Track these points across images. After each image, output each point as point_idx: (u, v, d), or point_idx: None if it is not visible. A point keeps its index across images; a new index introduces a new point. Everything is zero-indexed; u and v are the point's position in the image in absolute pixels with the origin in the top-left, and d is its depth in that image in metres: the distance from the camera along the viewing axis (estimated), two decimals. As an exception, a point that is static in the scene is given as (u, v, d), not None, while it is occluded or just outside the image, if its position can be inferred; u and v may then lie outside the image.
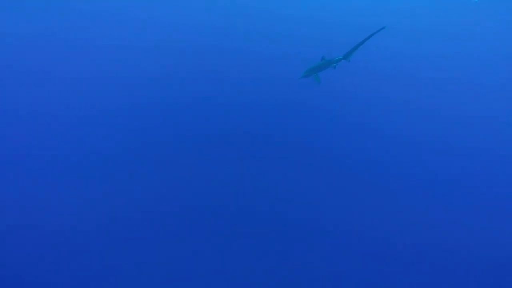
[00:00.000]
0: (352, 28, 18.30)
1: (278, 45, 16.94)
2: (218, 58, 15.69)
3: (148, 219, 8.80)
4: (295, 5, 21.71)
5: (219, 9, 20.08)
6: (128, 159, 10.44)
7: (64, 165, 10.12)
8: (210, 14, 19.53)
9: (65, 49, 15.59)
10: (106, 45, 16.09)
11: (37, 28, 16.94)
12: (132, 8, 19.65)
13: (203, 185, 9.76)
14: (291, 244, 8.42)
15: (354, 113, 12.63)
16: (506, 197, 9.89)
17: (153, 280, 7.53)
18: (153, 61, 15.30)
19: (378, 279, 7.76)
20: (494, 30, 18.81)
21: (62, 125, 11.54)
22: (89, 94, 13.03)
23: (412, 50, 16.90)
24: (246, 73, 14.68)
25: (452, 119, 12.76)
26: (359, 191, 9.86)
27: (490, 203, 9.71)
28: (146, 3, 20.26)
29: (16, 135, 10.94)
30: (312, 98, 13.44)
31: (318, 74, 8.11)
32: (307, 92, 13.80)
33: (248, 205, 9.29)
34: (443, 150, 11.26)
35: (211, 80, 14.21)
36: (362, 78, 14.81)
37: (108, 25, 17.60)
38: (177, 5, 20.22)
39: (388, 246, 8.44)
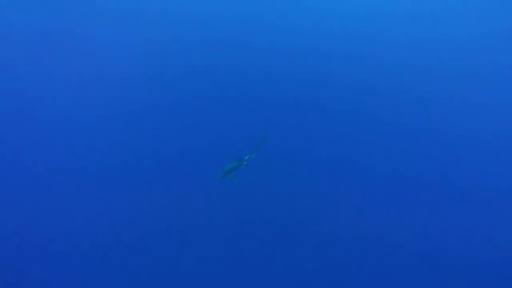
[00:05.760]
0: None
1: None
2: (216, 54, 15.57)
3: (147, 223, 8.77)
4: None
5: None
6: (129, 161, 10.37)
7: (62, 166, 10.05)
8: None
9: (64, 47, 15.44)
10: (104, 43, 15.93)
11: (35, 26, 16.77)
12: (132, 4, 19.44)
13: (203, 188, 9.70)
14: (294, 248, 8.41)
15: (360, 111, 12.63)
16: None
17: None
18: (152, 60, 15.15)
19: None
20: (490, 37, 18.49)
21: (60, 126, 11.45)
22: (87, 94, 12.90)
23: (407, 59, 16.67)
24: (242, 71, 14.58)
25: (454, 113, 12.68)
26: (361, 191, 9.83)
27: (492, 201, 9.66)
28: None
29: (10, 136, 10.86)
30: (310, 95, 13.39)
31: (233, 174, 8.83)
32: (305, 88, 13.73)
33: (250, 207, 9.27)
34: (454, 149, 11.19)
35: (211, 78, 14.11)
36: (368, 75, 14.73)
37: (107, 23, 17.41)
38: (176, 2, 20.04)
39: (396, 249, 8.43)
